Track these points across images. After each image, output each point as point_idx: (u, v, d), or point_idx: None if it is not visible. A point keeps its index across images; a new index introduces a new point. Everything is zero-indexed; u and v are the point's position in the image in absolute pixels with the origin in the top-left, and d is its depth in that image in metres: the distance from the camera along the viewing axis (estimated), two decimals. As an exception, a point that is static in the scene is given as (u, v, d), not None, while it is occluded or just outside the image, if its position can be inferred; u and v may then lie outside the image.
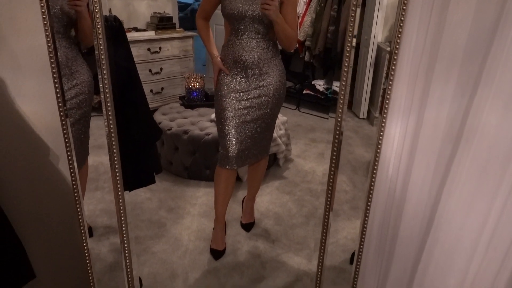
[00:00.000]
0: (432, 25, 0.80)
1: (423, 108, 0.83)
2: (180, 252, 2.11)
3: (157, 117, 2.97)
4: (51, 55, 1.07)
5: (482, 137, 0.75)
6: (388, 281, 1.06)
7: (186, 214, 2.42)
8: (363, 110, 3.91)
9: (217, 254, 2.07)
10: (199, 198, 2.56)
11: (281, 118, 3.03)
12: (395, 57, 0.85)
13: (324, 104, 4.23)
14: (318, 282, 1.13)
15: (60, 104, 0.99)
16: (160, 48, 3.90)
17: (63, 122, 0.99)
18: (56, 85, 1.05)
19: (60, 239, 1.34)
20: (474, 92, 0.73)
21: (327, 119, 4.11)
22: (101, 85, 1.11)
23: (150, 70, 3.88)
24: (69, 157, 1.14)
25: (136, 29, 3.92)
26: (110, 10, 1.43)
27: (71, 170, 1.13)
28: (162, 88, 4.04)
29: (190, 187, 2.70)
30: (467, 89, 0.74)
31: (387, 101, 0.85)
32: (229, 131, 1.90)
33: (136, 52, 3.73)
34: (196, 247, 2.15)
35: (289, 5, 1.75)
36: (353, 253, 2.09)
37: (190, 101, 3.18)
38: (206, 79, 3.44)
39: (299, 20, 4.09)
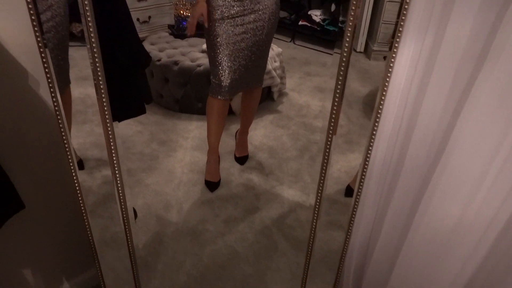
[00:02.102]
0: None
1: (444, 22, 0.74)
2: (174, 184, 2.10)
3: (145, 47, 2.79)
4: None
5: (508, 57, 0.67)
6: (388, 212, 1.05)
7: (179, 147, 2.37)
8: (361, 43, 3.76)
9: (212, 185, 2.07)
10: (191, 132, 2.51)
11: (275, 49, 2.89)
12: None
13: (321, 36, 4.04)
14: (316, 212, 1.11)
15: (36, 29, 0.87)
16: (145, -29, 3.58)
17: (40, 45, 0.89)
18: (30, 6, 0.92)
19: (49, 170, 1.29)
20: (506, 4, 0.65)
21: (323, 52, 3.96)
22: (82, 8, 0.98)
23: (135, -4, 3.60)
24: (50, 83, 1.05)
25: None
26: None
27: (53, 96, 1.04)
28: (149, 17, 3.78)
29: (181, 121, 2.63)
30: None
31: (403, 17, 0.76)
32: (222, 59, 1.81)
33: (119, -25, 3.43)
34: (189, 179, 2.14)
35: None
36: (348, 186, 2.11)
37: (180, 30, 2.99)
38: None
39: None
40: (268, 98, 2.93)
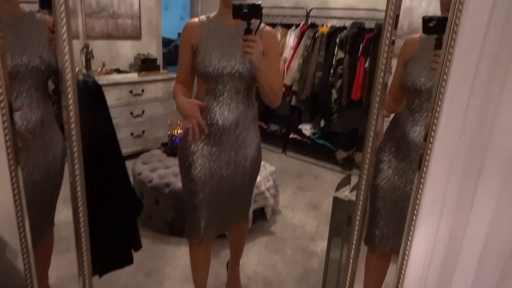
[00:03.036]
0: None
1: (460, 220, 0.71)
2: (159, 326, 1.88)
3: (137, 166, 2.78)
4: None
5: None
6: None
7: (167, 278, 2.20)
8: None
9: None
10: (181, 259, 2.35)
11: (268, 168, 2.89)
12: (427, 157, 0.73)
13: (311, 149, 4.14)
14: None
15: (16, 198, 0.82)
16: (143, 90, 3.77)
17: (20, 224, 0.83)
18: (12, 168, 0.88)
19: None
20: None
21: (314, 164, 4.01)
22: (70, 165, 0.94)
23: (131, 113, 3.72)
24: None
25: (119, 71, 3.79)
26: (84, 73, 1.28)
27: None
28: (143, 131, 3.87)
29: (171, 246, 2.49)
30: None
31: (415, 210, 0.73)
32: (198, 203, 1.60)
33: (118, 94, 3.59)
34: (176, 319, 1.93)
35: (272, 54, 1.51)
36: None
37: (173, 148, 3.01)
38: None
39: (286, 65, 4.05)
40: (261, 218, 2.84)
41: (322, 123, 4.03)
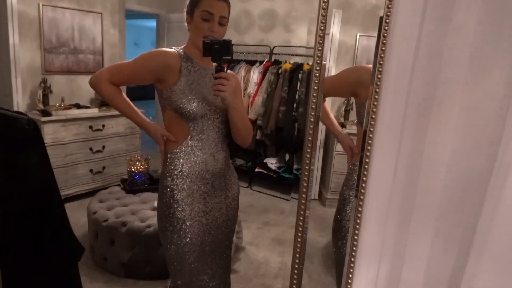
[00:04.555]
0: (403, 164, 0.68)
1: (397, 263, 0.69)
2: None
3: (93, 205, 2.65)
4: None
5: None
6: None
7: (119, 326, 2.04)
8: (314, 191, 3.83)
9: None
10: (136, 303, 2.21)
11: (231, 203, 2.83)
12: (361, 202, 0.71)
13: (277, 182, 4.12)
14: None
15: None
16: (103, 125, 3.68)
17: None
18: None
19: None
20: (462, 253, 0.61)
21: (280, 198, 3.98)
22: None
23: (91, 149, 3.61)
24: None
25: (78, 106, 3.70)
26: (22, 112, 1.20)
27: None
28: (103, 167, 3.74)
29: (126, 289, 2.34)
30: (453, 248, 0.61)
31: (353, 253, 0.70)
32: (192, 265, 1.41)
33: (76, 130, 3.48)
34: None
35: (239, 93, 1.47)
36: None
37: (132, 185, 2.91)
38: (154, 157, 3.21)
39: (251, 100, 4.10)
40: (224, 255, 2.74)
41: (287, 157, 4.04)
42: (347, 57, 3.26)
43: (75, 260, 1.19)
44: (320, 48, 0.70)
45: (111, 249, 2.44)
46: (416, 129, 0.65)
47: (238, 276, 2.56)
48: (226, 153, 1.48)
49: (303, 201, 0.82)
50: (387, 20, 0.63)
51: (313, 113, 0.76)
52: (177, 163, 1.38)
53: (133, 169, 2.91)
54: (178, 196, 1.38)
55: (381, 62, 0.65)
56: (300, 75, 3.80)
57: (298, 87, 3.78)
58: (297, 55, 4.11)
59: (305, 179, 0.81)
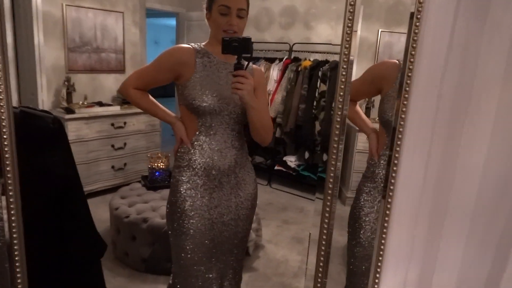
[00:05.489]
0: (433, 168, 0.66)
1: (428, 267, 0.67)
2: None
3: (115, 201, 2.70)
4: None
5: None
6: None
7: (140, 320, 2.07)
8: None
9: None
10: (157, 299, 2.24)
11: (251, 201, 2.83)
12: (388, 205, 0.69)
13: (297, 180, 4.10)
14: None
15: None
16: (125, 123, 3.73)
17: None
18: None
19: None
20: (499, 259, 0.58)
21: (300, 197, 3.95)
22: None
23: (112, 146, 3.67)
24: None
25: (101, 104, 3.77)
26: (48, 112, 1.20)
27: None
28: (125, 164, 3.80)
29: (147, 284, 2.37)
30: (489, 253, 0.59)
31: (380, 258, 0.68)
32: (195, 262, 1.42)
33: (99, 127, 3.54)
34: None
35: (261, 91, 1.44)
36: None
37: (153, 182, 2.94)
38: (172, 157, 3.24)
39: (270, 98, 4.08)
40: (243, 253, 2.75)
41: (307, 155, 4.01)
42: (369, 54, 3.20)
43: (98, 257, 1.21)
44: (347, 45, 0.69)
45: (133, 244, 2.48)
46: (449, 130, 0.63)
47: (257, 274, 2.55)
48: (238, 150, 1.44)
49: (328, 203, 0.80)
50: (418, 16, 0.61)
51: (339, 113, 0.74)
52: (185, 157, 1.42)
53: (153, 166, 2.95)
54: (181, 188, 1.42)
55: (411, 59, 0.63)
56: (320, 72, 3.76)
57: (318, 85, 3.75)
58: (317, 52, 4.07)
59: (331, 180, 0.79)
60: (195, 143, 1.41)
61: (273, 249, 2.89)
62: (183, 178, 1.42)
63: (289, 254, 2.83)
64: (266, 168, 4.31)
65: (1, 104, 0.70)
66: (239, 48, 1.21)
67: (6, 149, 0.74)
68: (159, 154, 3.02)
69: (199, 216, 1.41)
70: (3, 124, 0.71)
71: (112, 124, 3.63)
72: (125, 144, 3.77)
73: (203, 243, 1.43)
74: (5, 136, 0.72)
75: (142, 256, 2.46)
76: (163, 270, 2.43)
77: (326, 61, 3.88)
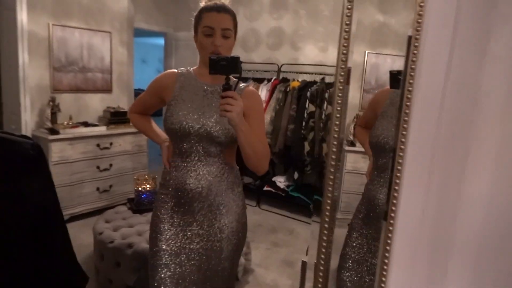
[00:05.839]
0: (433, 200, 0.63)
1: None
2: None
3: (99, 225, 2.60)
4: None
5: None
6: None
7: None
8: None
9: None
10: (142, 330, 2.13)
11: (240, 224, 2.76)
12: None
13: (286, 201, 4.04)
14: None
15: None
16: (111, 143, 3.65)
17: None
18: None
19: None
20: None
21: (289, 218, 3.90)
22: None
23: (98, 167, 3.58)
24: None
25: (86, 124, 3.69)
26: (26, 136, 1.16)
27: None
28: (110, 186, 3.71)
29: (131, 313, 2.26)
30: None
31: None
32: (161, 281, 1.37)
33: (84, 148, 3.46)
34: None
35: (255, 115, 1.33)
36: None
37: (139, 204, 2.86)
38: (159, 179, 3.17)
39: (258, 118, 4.06)
40: (232, 278, 2.66)
41: (296, 175, 3.98)
42: (356, 74, 3.24)
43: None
44: (343, 66, 0.66)
45: (117, 271, 2.38)
46: (449, 159, 0.60)
47: (247, 300, 2.47)
48: (215, 177, 1.36)
49: (325, 230, 0.76)
50: (416, 44, 0.59)
51: (336, 136, 0.71)
52: (165, 176, 1.43)
53: (140, 188, 2.87)
54: (157, 203, 1.44)
55: (409, 88, 0.61)
56: (308, 93, 3.77)
57: (306, 105, 3.75)
58: (305, 73, 4.10)
59: (328, 207, 0.75)
60: (172, 164, 1.40)
61: (263, 273, 2.82)
62: (160, 196, 1.44)
63: (279, 278, 2.76)
64: (255, 188, 4.26)
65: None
66: (227, 67, 1.16)
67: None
68: (146, 176, 2.94)
69: (166, 238, 1.38)
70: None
71: (98, 145, 3.55)
72: (110, 165, 3.68)
73: (170, 267, 1.37)
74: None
75: (127, 283, 2.35)
76: (148, 298, 2.33)
77: (314, 82, 3.90)
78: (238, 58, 1.17)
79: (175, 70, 1.45)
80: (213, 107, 1.34)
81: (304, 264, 0.93)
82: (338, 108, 0.70)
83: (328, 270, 0.88)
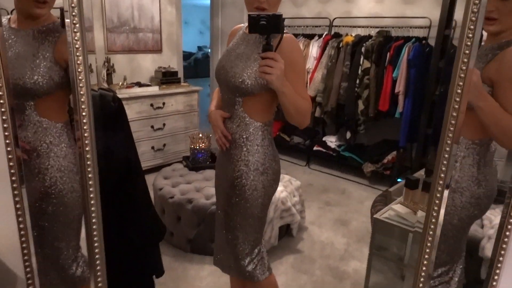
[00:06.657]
0: None
1: None
2: None
3: (158, 181, 2.70)
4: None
5: None
6: None
7: (189, 300, 2.07)
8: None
9: None
10: (204, 280, 2.23)
11: (294, 183, 2.76)
12: None
13: (337, 161, 3.98)
14: None
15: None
16: (163, 103, 3.72)
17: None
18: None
19: None
20: None
21: (340, 178, 3.84)
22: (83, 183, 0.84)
23: (152, 126, 3.67)
24: None
25: (140, 84, 3.76)
26: (104, 86, 1.18)
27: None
28: (164, 145, 3.81)
29: (193, 264, 2.37)
30: None
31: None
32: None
33: (139, 108, 3.55)
34: None
35: (296, 68, 1.24)
36: None
37: (195, 162, 2.92)
38: (213, 138, 3.20)
39: (309, 76, 3.94)
40: (286, 234, 2.70)
41: (348, 135, 3.87)
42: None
43: (157, 240, 1.17)
44: (475, 9, 0.58)
45: (178, 225, 2.48)
46: None
47: (303, 256, 2.50)
48: (238, 126, 1.32)
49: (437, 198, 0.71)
50: None
51: (458, 99, 0.63)
52: None
53: (195, 147, 2.92)
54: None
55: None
56: (363, 48, 3.57)
57: (361, 62, 3.57)
58: (359, 26, 3.87)
59: (442, 175, 0.69)
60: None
61: (317, 231, 2.83)
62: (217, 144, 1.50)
63: (334, 236, 2.76)
64: (305, 148, 4.22)
65: (81, 85, 0.66)
66: (267, 26, 1.08)
67: (85, 127, 0.69)
68: (200, 135, 2.98)
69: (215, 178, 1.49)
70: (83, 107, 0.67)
71: (151, 105, 3.63)
72: (164, 124, 3.77)
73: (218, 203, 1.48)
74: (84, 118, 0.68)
75: (188, 236, 2.46)
76: (208, 250, 2.41)
77: (370, 36, 3.68)
78: (280, 15, 1.08)
79: (241, 25, 1.42)
80: (251, 58, 1.26)
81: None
82: (465, 60, 0.62)
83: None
